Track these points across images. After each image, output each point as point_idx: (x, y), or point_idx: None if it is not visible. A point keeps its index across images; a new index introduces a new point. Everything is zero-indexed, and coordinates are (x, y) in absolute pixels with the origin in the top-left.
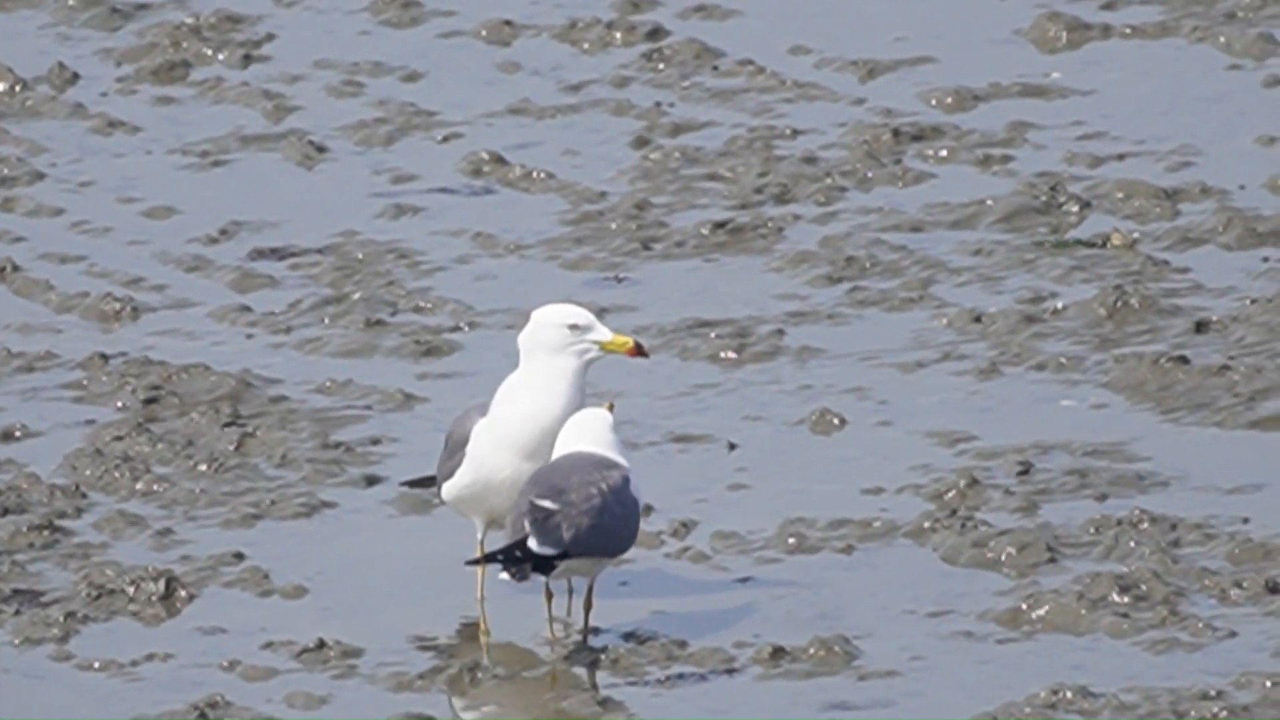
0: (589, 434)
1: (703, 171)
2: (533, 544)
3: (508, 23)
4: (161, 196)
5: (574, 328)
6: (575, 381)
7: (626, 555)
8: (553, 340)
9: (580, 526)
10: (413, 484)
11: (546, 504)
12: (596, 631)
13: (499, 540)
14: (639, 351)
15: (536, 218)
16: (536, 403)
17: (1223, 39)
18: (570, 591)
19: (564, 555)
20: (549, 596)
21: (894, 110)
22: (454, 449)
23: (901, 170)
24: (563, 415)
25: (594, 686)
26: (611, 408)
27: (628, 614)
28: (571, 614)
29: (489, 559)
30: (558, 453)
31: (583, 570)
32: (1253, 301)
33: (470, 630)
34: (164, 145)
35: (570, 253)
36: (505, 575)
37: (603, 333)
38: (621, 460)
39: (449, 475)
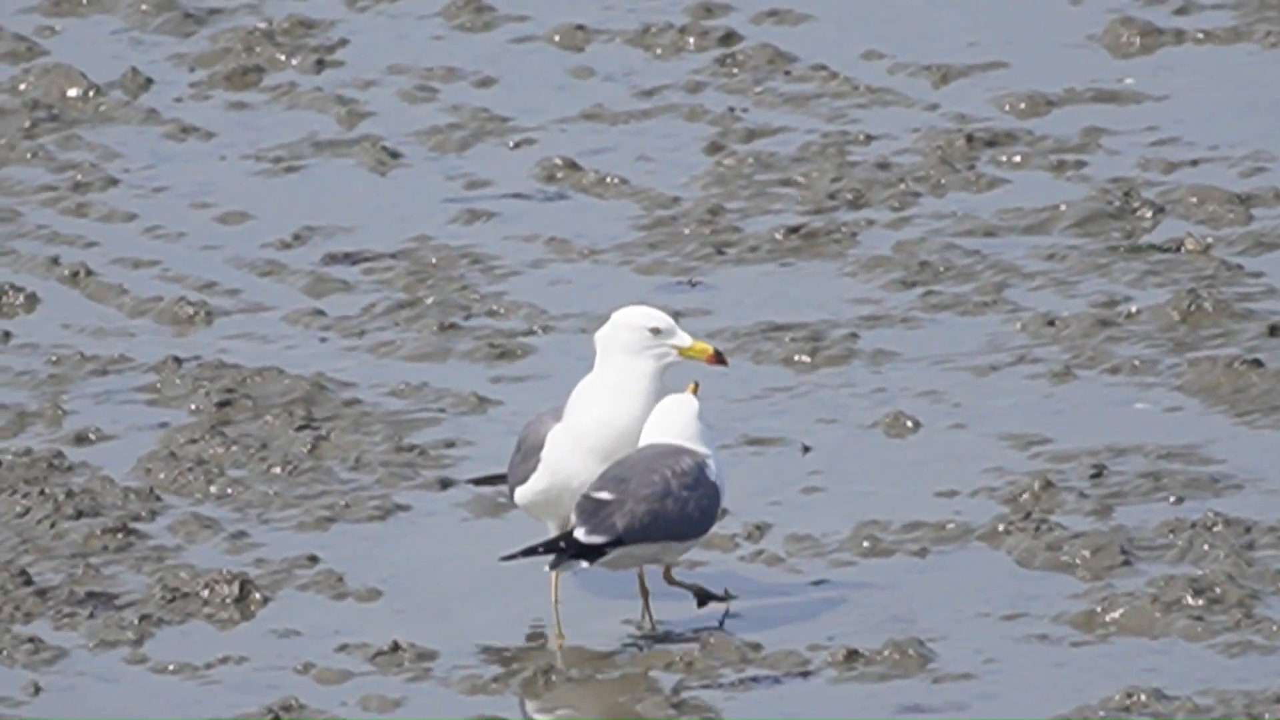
0: (671, 424)
1: (776, 177)
2: (580, 534)
3: (580, 28)
4: (235, 202)
5: (654, 331)
6: (651, 385)
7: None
8: (631, 342)
9: (636, 514)
10: (479, 481)
11: (601, 495)
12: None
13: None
14: (718, 359)
15: (610, 223)
16: (612, 406)
17: None
18: (645, 594)
19: (617, 543)
20: (645, 591)
21: (967, 115)
22: (528, 453)
23: (975, 175)
24: (639, 418)
25: (669, 689)
26: (695, 389)
27: (702, 616)
28: (645, 617)
29: (528, 553)
30: (642, 443)
31: (651, 556)
32: None
33: (544, 633)
34: (237, 151)
35: (644, 257)
36: (547, 567)
37: (682, 338)
38: (700, 448)
39: (523, 479)
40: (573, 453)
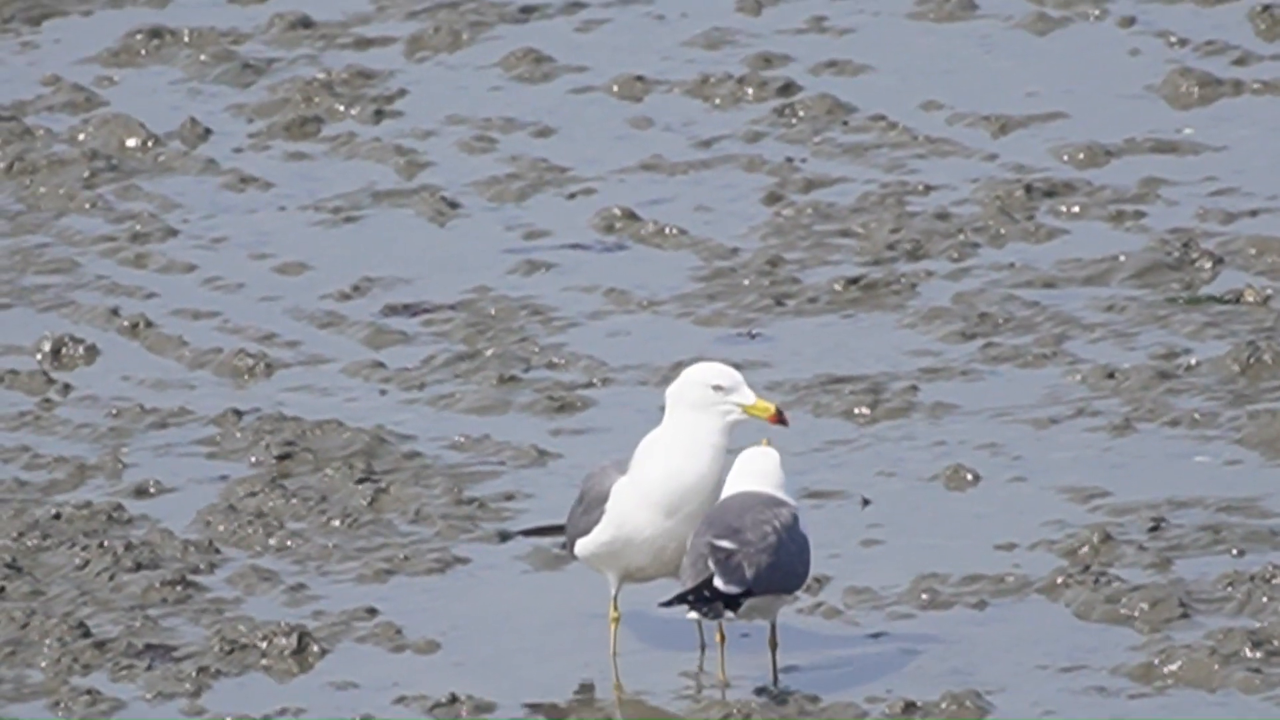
0: (758, 472)
1: (835, 227)
2: (719, 583)
3: (639, 78)
4: (294, 252)
5: (718, 388)
6: (718, 441)
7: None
8: (697, 398)
9: (760, 564)
10: (532, 532)
11: (725, 544)
12: (777, 676)
13: (638, 592)
14: (780, 419)
15: (669, 273)
16: (678, 461)
17: None
18: (703, 647)
19: (748, 593)
20: (722, 639)
21: (1026, 166)
22: (591, 505)
23: (1034, 226)
24: (705, 474)
25: None
26: (768, 444)
27: (761, 669)
28: (704, 669)
29: (680, 600)
30: (727, 492)
31: (762, 610)
32: None
33: (601, 686)
34: (296, 201)
35: (703, 309)
36: (694, 615)
37: (746, 395)
38: (789, 499)
39: (585, 531)
40: (639, 506)
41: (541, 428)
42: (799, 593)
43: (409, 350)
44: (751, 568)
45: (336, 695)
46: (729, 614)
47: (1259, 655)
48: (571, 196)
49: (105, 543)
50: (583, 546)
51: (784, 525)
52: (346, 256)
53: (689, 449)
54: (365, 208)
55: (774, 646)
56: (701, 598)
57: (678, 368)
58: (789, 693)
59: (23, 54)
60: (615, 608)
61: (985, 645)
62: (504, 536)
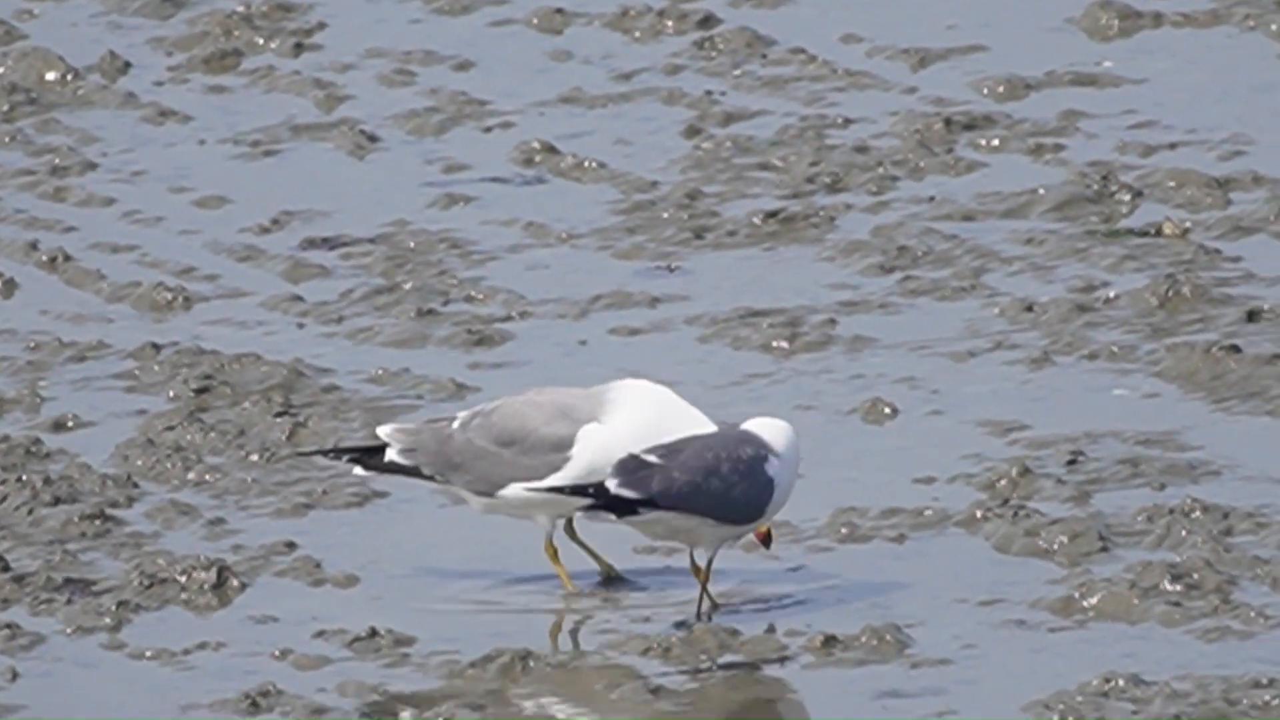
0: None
1: (754, 161)
2: (610, 484)
3: (559, 11)
4: (213, 186)
5: None
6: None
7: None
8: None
9: (674, 480)
10: (321, 453)
11: (647, 457)
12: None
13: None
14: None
15: (588, 207)
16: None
17: (1275, 27)
18: (608, 579)
19: (649, 503)
20: (697, 571)
21: (946, 99)
22: (535, 449)
23: (953, 159)
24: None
25: (647, 676)
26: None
27: (679, 602)
28: (621, 603)
29: (554, 490)
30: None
31: (687, 532)
32: None
33: (522, 619)
34: (215, 134)
35: (622, 242)
36: (580, 514)
37: None
38: (775, 444)
39: (527, 476)
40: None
41: (460, 361)
42: (743, 528)
43: (327, 284)
44: (663, 482)
45: (256, 629)
46: (611, 517)
47: (1178, 588)
48: (488, 130)
49: (23, 477)
50: (524, 490)
51: (734, 458)
52: (265, 190)
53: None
54: (284, 141)
55: (704, 581)
56: (583, 494)
57: (596, 301)
58: (708, 627)
59: None
60: (552, 544)
61: (904, 579)
62: (291, 454)
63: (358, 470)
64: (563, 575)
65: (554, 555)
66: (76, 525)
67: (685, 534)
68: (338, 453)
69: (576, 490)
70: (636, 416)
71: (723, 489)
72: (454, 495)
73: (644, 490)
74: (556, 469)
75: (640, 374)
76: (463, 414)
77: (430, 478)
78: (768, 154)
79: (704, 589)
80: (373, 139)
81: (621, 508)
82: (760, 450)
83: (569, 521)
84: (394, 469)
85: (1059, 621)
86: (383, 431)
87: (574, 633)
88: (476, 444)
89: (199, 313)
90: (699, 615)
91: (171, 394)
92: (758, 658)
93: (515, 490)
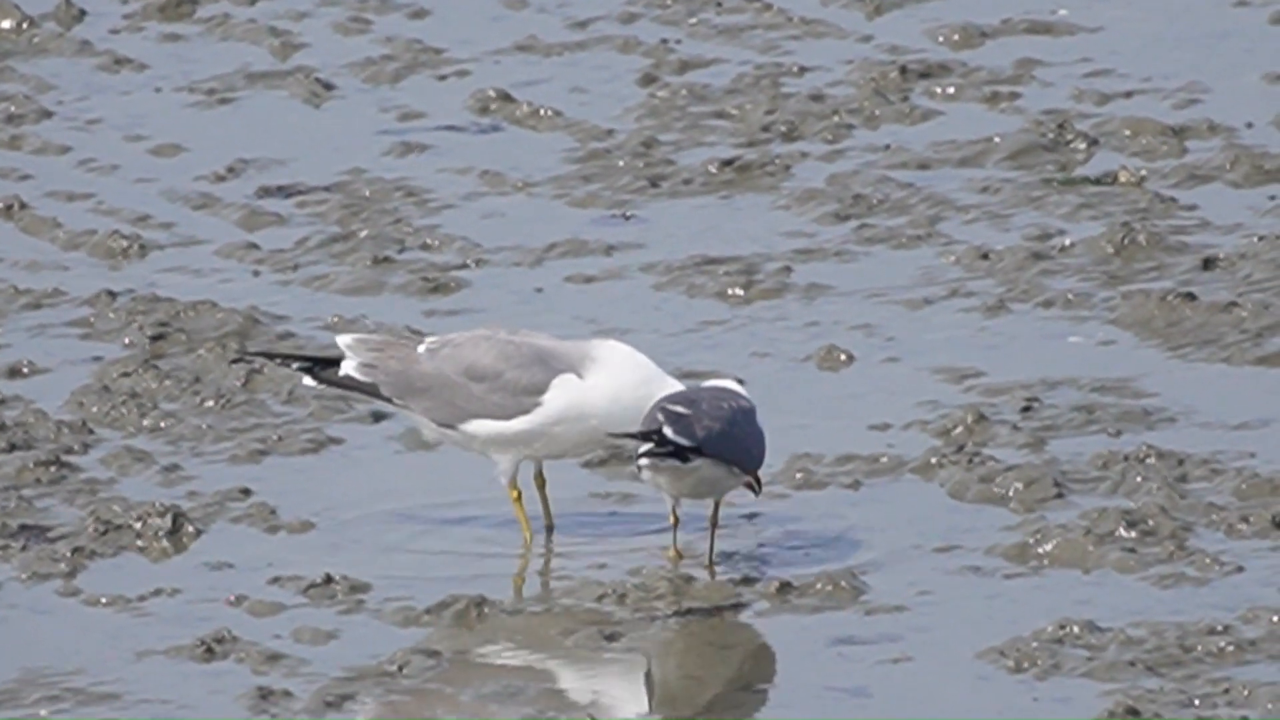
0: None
1: (710, 109)
2: (668, 431)
3: None
4: (169, 134)
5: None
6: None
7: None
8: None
9: (712, 429)
10: (265, 355)
11: (678, 409)
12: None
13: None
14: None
15: (544, 155)
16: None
17: None
18: (550, 529)
19: (698, 451)
20: (676, 521)
21: (901, 47)
22: (507, 390)
23: (909, 108)
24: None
25: (603, 622)
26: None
27: (634, 549)
28: (572, 553)
29: (633, 436)
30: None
31: (711, 483)
32: (1260, 238)
33: (477, 565)
34: (171, 83)
35: (578, 190)
36: (645, 461)
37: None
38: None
39: (494, 414)
40: (588, 416)
41: (415, 309)
42: (751, 481)
43: (283, 231)
44: (703, 430)
45: (211, 576)
46: (676, 462)
47: (1134, 535)
48: (443, 78)
49: None
50: (489, 429)
51: (741, 409)
52: (221, 138)
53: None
54: (240, 89)
55: (714, 526)
56: (652, 441)
57: (551, 249)
58: (663, 572)
59: None
60: (515, 485)
61: (860, 525)
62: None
63: (307, 381)
64: (523, 520)
65: (517, 499)
66: (32, 472)
67: (709, 484)
68: (287, 359)
69: (646, 437)
70: (616, 378)
71: (743, 437)
72: (406, 419)
73: (692, 438)
74: (525, 412)
75: (596, 321)
76: (430, 339)
77: (387, 399)
78: (723, 102)
79: (713, 535)
80: (328, 87)
81: (682, 455)
82: (747, 403)
83: (539, 470)
84: (348, 384)
85: (1014, 568)
86: (343, 340)
87: (529, 579)
88: (446, 373)
89: (154, 260)
90: (711, 559)
91: (127, 341)
92: (713, 604)
93: (478, 426)
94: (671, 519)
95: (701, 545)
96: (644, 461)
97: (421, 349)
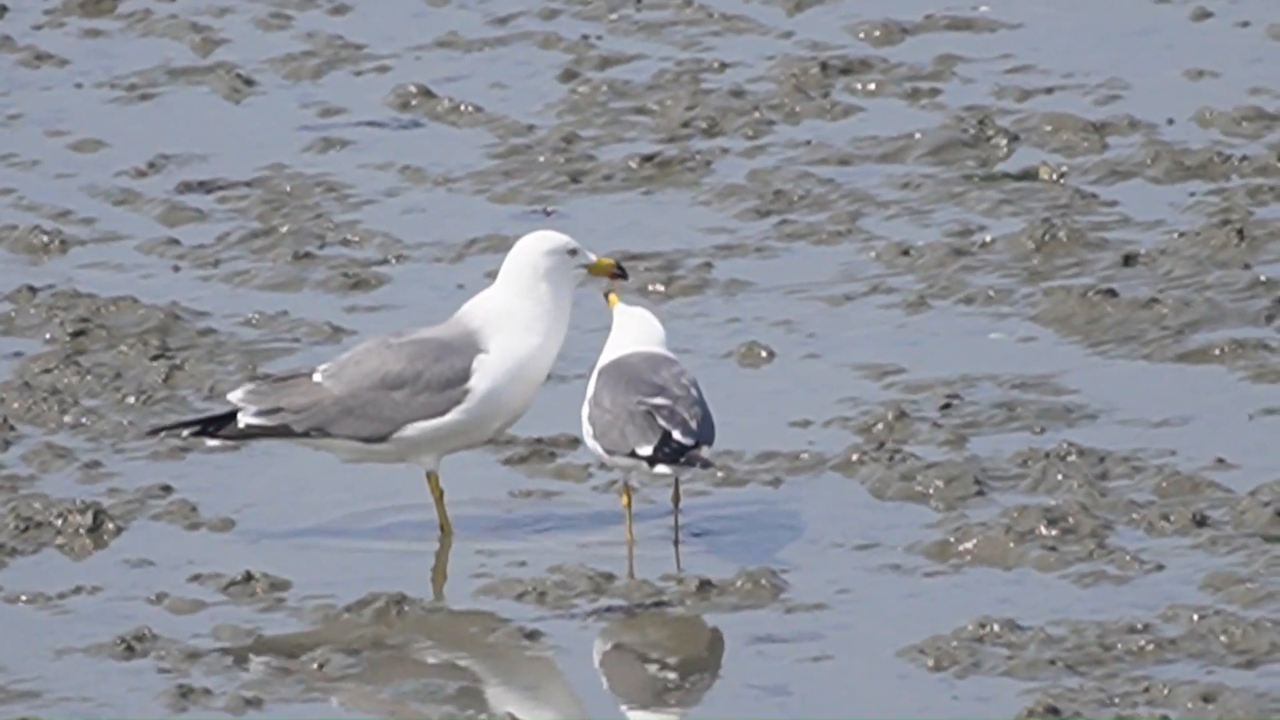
0: (648, 334)
1: (631, 105)
2: (678, 435)
3: None
4: (90, 130)
5: (572, 253)
6: (570, 305)
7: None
8: (553, 265)
9: (697, 417)
10: (175, 428)
11: (661, 401)
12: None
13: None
14: (619, 272)
15: (464, 151)
16: (555, 333)
17: None
18: (444, 528)
19: (697, 445)
20: (629, 502)
21: (822, 43)
22: (432, 386)
23: (829, 104)
24: (563, 341)
25: (522, 619)
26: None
27: (555, 547)
28: (496, 549)
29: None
30: (615, 352)
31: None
32: (1180, 235)
33: (397, 563)
34: (92, 78)
35: (499, 186)
36: (664, 469)
37: (590, 256)
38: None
39: (432, 414)
40: (513, 383)
41: (336, 304)
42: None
43: (204, 227)
44: (694, 419)
45: (132, 573)
46: (703, 468)
47: (1054, 533)
48: (363, 75)
49: None
50: (427, 430)
51: (693, 382)
52: (142, 134)
53: (556, 320)
54: (161, 85)
55: (677, 503)
56: (672, 451)
57: (472, 245)
58: (584, 570)
59: None
60: (439, 483)
61: (780, 523)
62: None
63: (211, 443)
64: (443, 517)
65: (439, 498)
66: None
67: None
68: (182, 426)
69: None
70: (511, 334)
71: (709, 415)
72: (320, 448)
73: (691, 434)
74: (457, 402)
75: None
76: (322, 366)
77: (303, 434)
78: (644, 98)
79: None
80: (249, 83)
81: (694, 456)
82: (684, 367)
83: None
84: (255, 433)
85: (934, 566)
86: (235, 396)
87: (450, 577)
88: (359, 391)
89: (75, 256)
90: (677, 539)
91: (48, 337)
92: (633, 602)
93: (413, 430)
94: (625, 502)
95: (621, 534)
96: (662, 469)
97: (318, 378)
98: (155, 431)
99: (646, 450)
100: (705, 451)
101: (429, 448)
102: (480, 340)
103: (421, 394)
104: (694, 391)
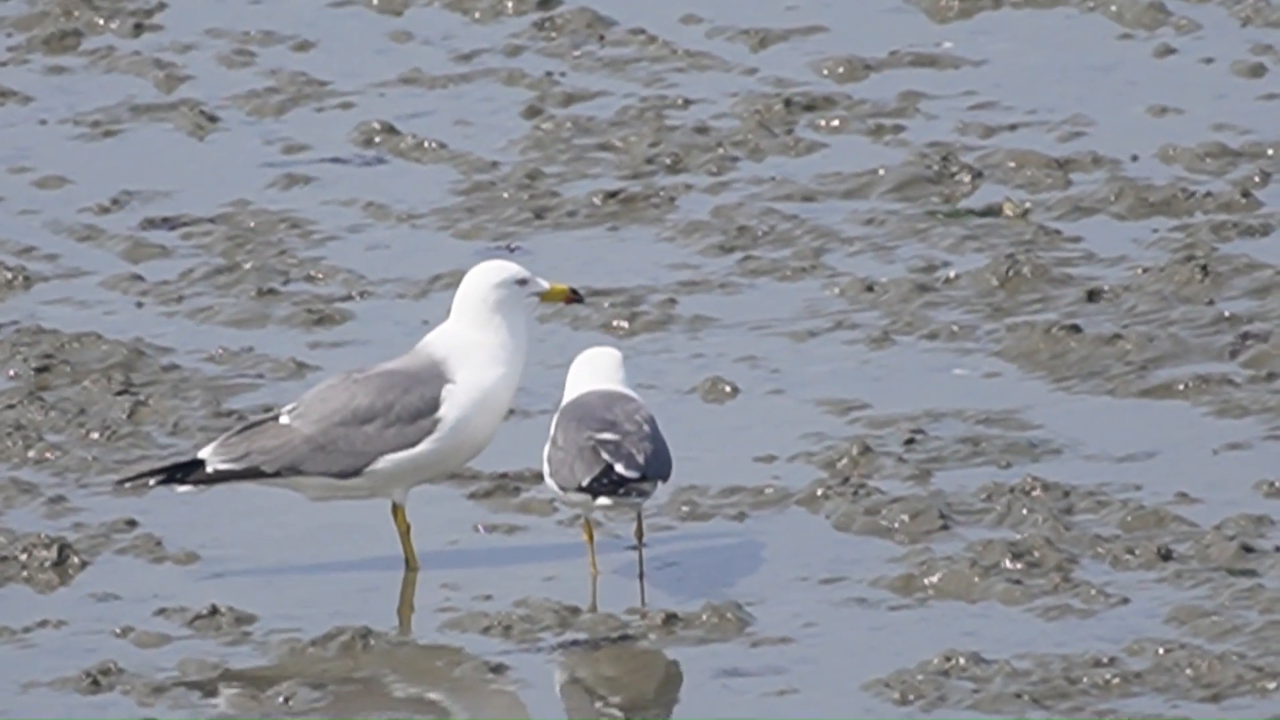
0: (607, 372)
1: (594, 141)
2: (620, 469)
3: None
4: (53, 166)
5: (521, 283)
6: (526, 336)
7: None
8: (503, 298)
9: (645, 451)
10: (138, 478)
11: (609, 436)
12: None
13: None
14: (575, 297)
15: (428, 187)
16: (515, 364)
17: (1114, 8)
18: (411, 565)
19: (643, 478)
20: (590, 535)
21: (785, 80)
22: (403, 418)
23: (793, 140)
24: (522, 372)
25: (488, 653)
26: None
27: (520, 581)
28: (458, 585)
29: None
30: (574, 391)
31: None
32: (1144, 271)
33: (363, 597)
34: (56, 115)
35: (463, 222)
36: (605, 501)
37: (541, 284)
38: (636, 395)
39: (401, 446)
40: (482, 411)
41: (300, 340)
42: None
43: (167, 263)
44: (641, 454)
45: (97, 607)
46: (639, 499)
47: (1019, 567)
48: (326, 111)
49: None
50: (400, 461)
51: (648, 419)
52: (106, 170)
53: (515, 350)
54: (125, 121)
55: (640, 537)
56: (611, 483)
57: (436, 281)
58: (548, 604)
59: None
60: (405, 517)
61: (745, 557)
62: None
63: (182, 489)
64: (409, 551)
65: (406, 532)
66: None
67: (633, 504)
68: (149, 475)
69: (610, 485)
70: (478, 367)
71: (664, 451)
72: (290, 487)
73: (636, 467)
74: (428, 432)
75: None
76: (286, 407)
77: (274, 474)
78: (608, 134)
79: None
80: (213, 119)
81: (635, 488)
82: (643, 406)
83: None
84: (226, 477)
85: (900, 600)
86: (205, 453)
87: (415, 611)
88: (328, 428)
89: (39, 292)
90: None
91: (12, 373)
92: (599, 636)
93: (385, 462)
94: (586, 536)
95: (584, 568)
96: (604, 501)
97: (285, 419)
98: (122, 483)
99: (586, 481)
100: (648, 486)
101: (400, 480)
102: (446, 371)
103: (393, 425)
104: (647, 428)
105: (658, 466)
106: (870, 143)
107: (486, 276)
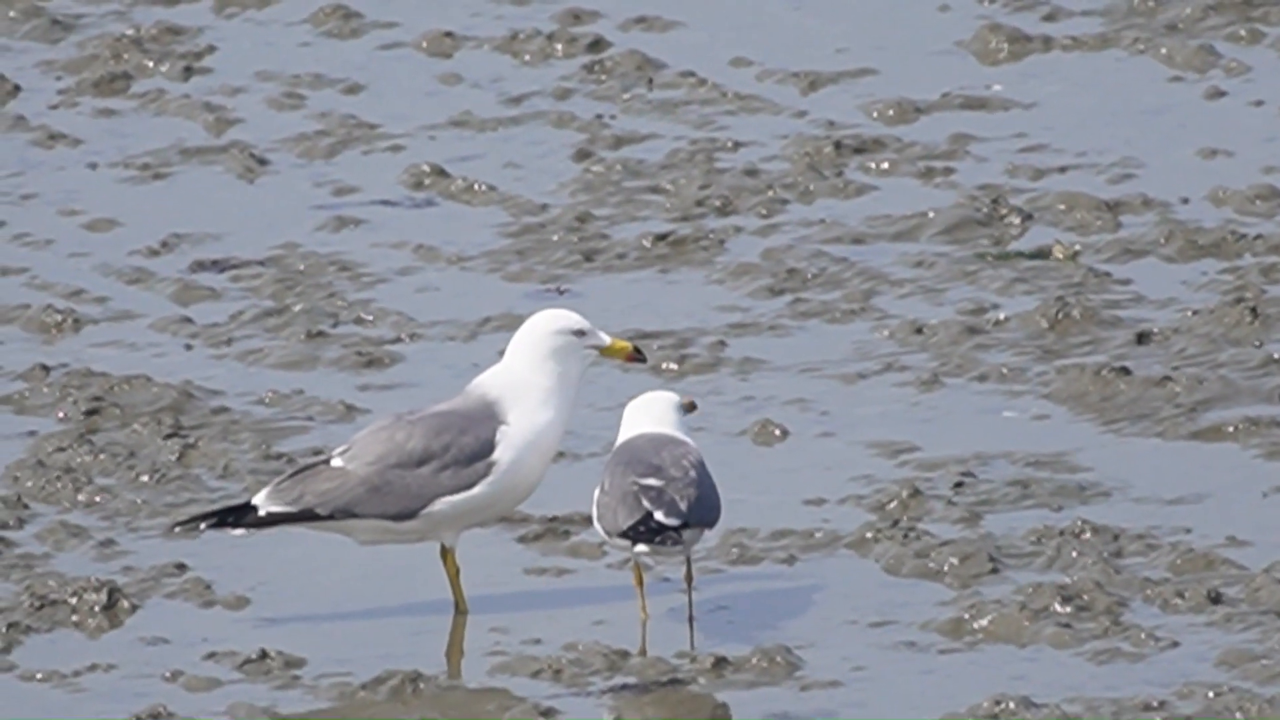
0: (661, 417)
1: (644, 184)
2: (659, 516)
3: (449, 34)
4: (103, 209)
5: (579, 334)
6: (579, 385)
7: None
8: (559, 346)
9: (690, 498)
10: (194, 521)
11: (653, 481)
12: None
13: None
14: (637, 355)
15: (478, 230)
16: (566, 410)
17: (1164, 51)
18: (460, 609)
19: (684, 525)
20: (640, 579)
21: (836, 122)
22: (458, 461)
23: (843, 182)
24: (572, 419)
25: (538, 697)
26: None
27: (570, 624)
28: (507, 628)
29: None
30: (627, 433)
31: (689, 545)
32: (1194, 313)
33: (412, 640)
34: (105, 158)
35: (512, 265)
36: (643, 548)
37: (602, 337)
38: (689, 439)
39: (458, 489)
40: (534, 453)
41: (349, 383)
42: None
43: (217, 306)
44: (684, 500)
45: (147, 651)
46: (674, 545)
47: (1069, 610)
48: (376, 154)
49: None
50: (456, 504)
51: (697, 464)
52: (155, 213)
53: (564, 397)
54: (174, 164)
55: (690, 580)
56: (649, 530)
57: (486, 323)
58: (598, 648)
59: None
60: (456, 560)
61: (794, 600)
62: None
63: (236, 532)
64: (459, 595)
65: (455, 574)
66: None
67: (688, 545)
68: (201, 519)
69: (647, 532)
70: (529, 410)
71: (711, 497)
72: (342, 531)
73: (678, 514)
74: (483, 475)
75: None
76: (337, 449)
77: (328, 517)
78: (658, 177)
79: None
80: (262, 162)
81: (666, 536)
82: (693, 448)
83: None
84: (278, 520)
85: (949, 643)
86: (259, 499)
87: (465, 654)
88: (384, 470)
89: (88, 334)
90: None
91: (61, 415)
92: (649, 679)
93: (442, 504)
94: (636, 579)
95: (634, 612)
96: (642, 549)
97: (337, 462)
98: (175, 526)
99: (626, 527)
100: (688, 534)
101: (455, 522)
102: (499, 412)
103: (449, 468)
104: (693, 473)
105: (701, 513)
106: (920, 185)
107: (546, 323)
